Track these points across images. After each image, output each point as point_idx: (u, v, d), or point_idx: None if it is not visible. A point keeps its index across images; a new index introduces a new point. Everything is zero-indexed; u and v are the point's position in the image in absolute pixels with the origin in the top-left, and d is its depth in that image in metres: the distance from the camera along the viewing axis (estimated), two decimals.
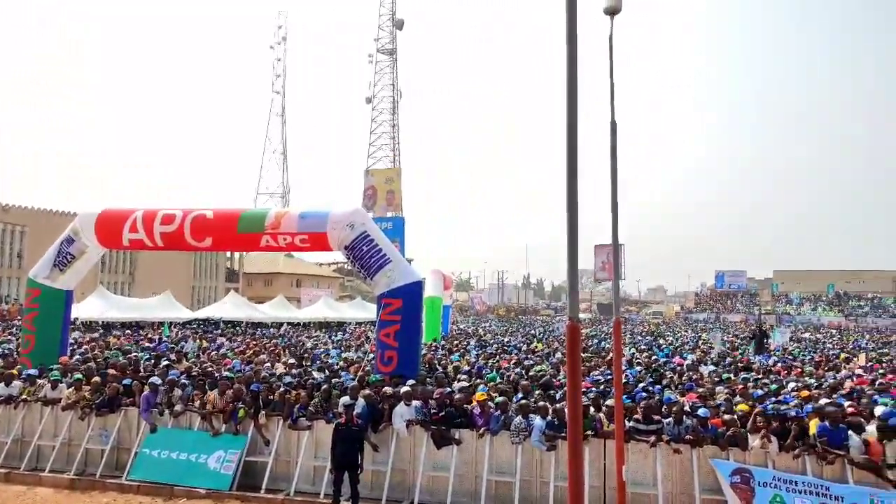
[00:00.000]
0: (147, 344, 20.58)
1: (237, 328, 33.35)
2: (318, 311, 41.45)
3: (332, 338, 26.25)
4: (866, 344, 31.42)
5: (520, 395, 10.27)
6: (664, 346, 24.81)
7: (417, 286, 11.75)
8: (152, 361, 14.01)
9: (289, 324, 36.19)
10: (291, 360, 14.69)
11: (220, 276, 57.68)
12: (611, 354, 18.22)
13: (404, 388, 9.84)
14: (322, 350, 18.80)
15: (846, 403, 9.84)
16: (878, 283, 77.58)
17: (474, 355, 17.28)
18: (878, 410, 8.99)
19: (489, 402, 9.56)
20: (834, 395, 10.83)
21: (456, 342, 22.49)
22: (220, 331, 30.19)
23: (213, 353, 17.72)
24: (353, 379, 10.87)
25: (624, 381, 11.73)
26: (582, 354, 18.11)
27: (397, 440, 9.47)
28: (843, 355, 21.58)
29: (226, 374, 11.65)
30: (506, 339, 25.69)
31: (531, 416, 9.18)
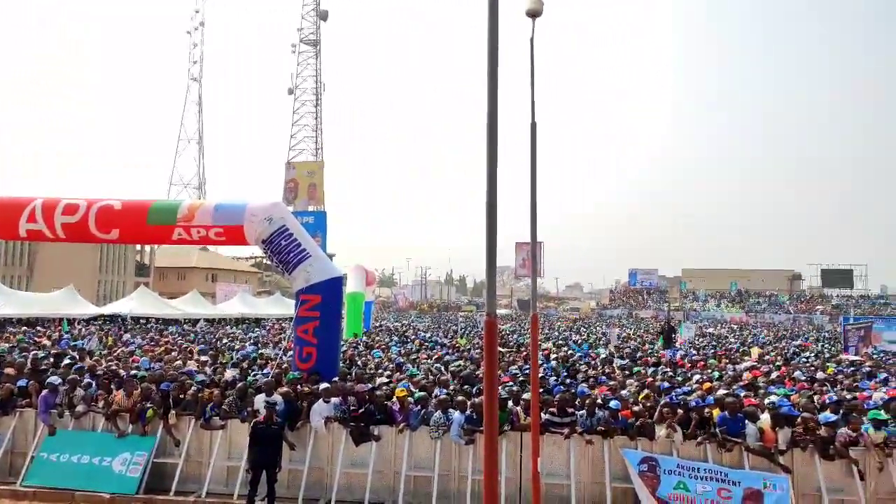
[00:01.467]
0: (45, 342, 19.31)
1: (148, 325, 31.85)
2: (235, 307, 40.17)
3: (250, 334, 25.52)
4: (763, 338, 33.57)
5: (440, 390, 10.35)
6: (580, 341, 25.63)
7: (337, 282, 11.59)
8: (51, 360, 13.18)
9: (205, 320, 34.89)
10: (204, 358, 14.17)
11: (129, 270, 54.92)
12: (529, 349, 18.74)
13: (323, 385, 9.71)
14: (238, 347, 18.24)
15: (743, 394, 10.49)
16: (775, 281, 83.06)
17: (395, 351, 17.25)
18: (770, 399, 9.65)
19: (409, 398, 9.58)
20: (733, 387, 11.49)
21: (377, 338, 22.38)
22: (127, 327, 28.73)
23: (120, 350, 16.84)
24: (269, 376, 10.60)
25: (541, 375, 12.06)
26: (501, 349, 18.47)
27: (315, 438, 9.33)
28: (742, 349, 23.01)
29: (133, 372, 11.10)
30: (428, 335, 25.79)
31: (450, 410, 9.28)
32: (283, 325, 30.11)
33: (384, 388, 10.21)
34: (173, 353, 15.69)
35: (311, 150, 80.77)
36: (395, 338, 23.25)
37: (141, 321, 32.89)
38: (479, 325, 40.43)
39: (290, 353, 12.05)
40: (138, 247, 54.89)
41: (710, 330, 41.96)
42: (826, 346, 27.69)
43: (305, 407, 9.45)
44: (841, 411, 9.33)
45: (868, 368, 16.05)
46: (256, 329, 30.25)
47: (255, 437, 8.52)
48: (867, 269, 76.89)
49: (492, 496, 4.37)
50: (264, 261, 67.33)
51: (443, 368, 13.74)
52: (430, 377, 12.09)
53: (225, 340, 21.46)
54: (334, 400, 9.49)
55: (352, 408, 9.43)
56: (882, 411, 9.15)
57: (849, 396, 10.90)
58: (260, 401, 9.30)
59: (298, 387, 9.88)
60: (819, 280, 79.10)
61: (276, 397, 9.20)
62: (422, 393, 9.84)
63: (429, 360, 14.98)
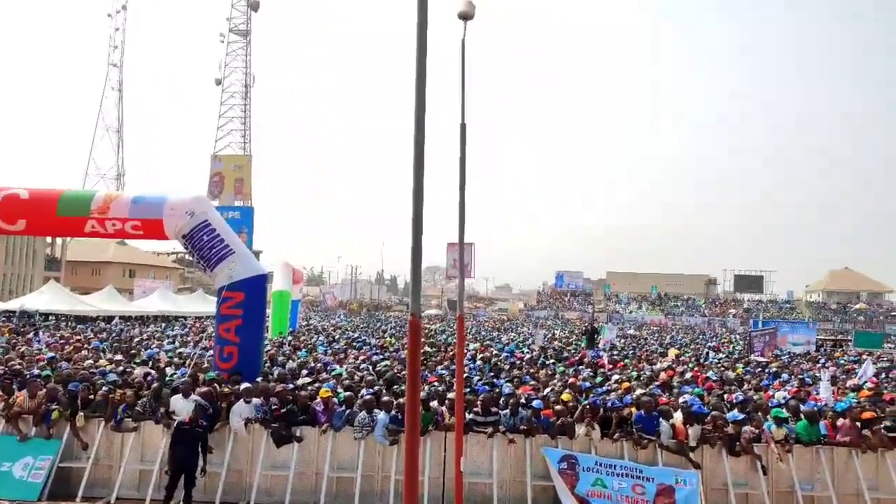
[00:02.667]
0: None
1: (59, 322, 30.10)
2: (153, 303, 38.51)
3: (169, 332, 24.53)
4: (680, 340, 35.05)
5: (366, 390, 10.26)
6: (507, 341, 26.01)
7: (261, 280, 11.29)
8: None
9: (121, 318, 33.26)
10: (119, 357, 13.51)
11: (38, 264, 51.73)
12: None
13: (244, 385, 9.45)
14: (154, 346, 17.49)
15: (659, 394, 10.93)
16: (692, 285, 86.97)
17: (321, 351, 16.99)
18: (683, 398, 10.09)
19: (333, 399, 9.46)
20: (649, 387, 11.95)
21: (304, 337, 21.98)
22: (35, 324, 27.06)
23: (25, 348, 15.84)
24: (186, 376, 10.24)
25: (466, 374, 12.17)
26: (429, 349, 18.51)
27: (234, 440, 9.07)
28: (659, 350, 23.96)
29: (36, 372, 10.47)
30: (356, 335, 25.54)
31: (375, 410, 9.22)
32: (205, 323, 29.09)
33: (308, 388, 10.04)
34: (83, 352, 14.90)
35: (238, 144, 78.54)
36: (322, 337, 22.90)
37: (51, 318, 31.05)
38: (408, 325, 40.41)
39: (211, 352, 11.69)
40: (49, 239, 51.80)
41: (632, 331, 43.46)
42: (736, 347, 29.17)
43: (225, 408, 9.18)
44: (747, 410, 9.86)
45: (774, 369, 17.04)
46: (177, 327, 29.10)
47: (177, 438, 8.21)
48: (776, 276, 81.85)
49: (412, 496, 4.38)
50: (186, 256, 64.94)
51: (370, 368, 13.64)
52: (357, 377, 11.97)
53: (140, 339, 20.53)
54: (255, 400, 9.25)
55: (273, 408, 9.22)
56: (783, 409, 9.72)
57: (755, 396, 11.52)
58: (177, 402, 8.96)
59: (217, 387, 9.57)
60: (732, 285, 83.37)
61: (196, 398, 8.87)
62: (347, 393, 9.73)
63: (356, 361, 14.83)
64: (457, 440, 7.97)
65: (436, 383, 10.94)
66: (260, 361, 11.54)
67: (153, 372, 11.36)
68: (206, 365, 12.02)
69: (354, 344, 20.10)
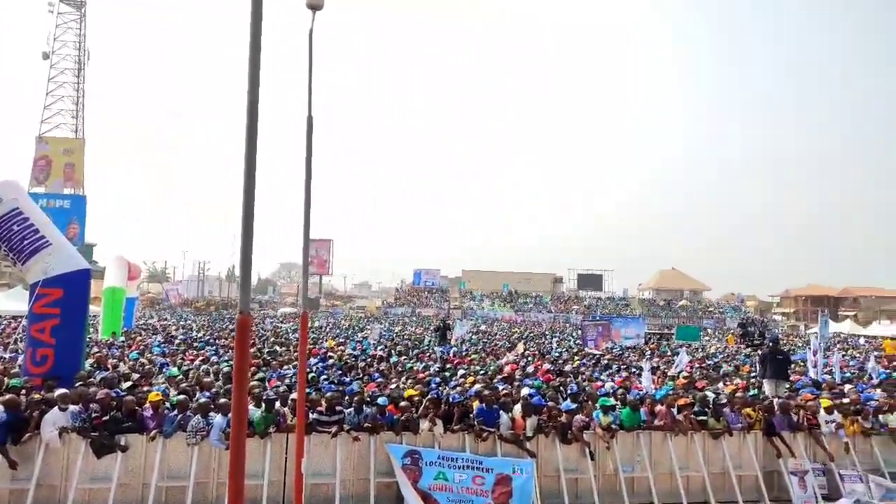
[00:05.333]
0: None
1: None
2: None
3: None
4: (527, 335, 36.84)
5: (202, 393, 9.69)
6: (362, 339, 25.84)
7: (83, 275, 10.27)
8: None
9: None
10: None
11: None
12: (315, 348, 18.46)
13: (59, 391, 8.54)
14: None
15: (502, 387, 11.37)
16: (541, 283, 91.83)
17: (157, 352, 15.83)
18: (524, 391, 10.59)
19: (164, 403, 8.83)
20: (494, 380, 12.41)
21: (139, 338, 20.37)
22: None
23: None
24: None
25: (314, 374, 11.91)
26: (277, 348, 17.92)
27: (46, 452, 8.15)
28: (507, 345, 25.01)
29: None
30: (199, 335, 24.10)
31: (211, 414, 8.73)
32: (20, 322, 25.97)
33: (136, 392, 9.29)
34: None
35: (70, 126, 71.06)
36: (160, 337, 21.36)
37: None
38: (260, 324, 38.89)
39: (23, 355, 10.45)
40: None
41: (483, 327, 45.00)
42: (574, 341, 31.16)
43: (36, 417, 8.23)
44: (579, 400, 10.54)
45: (605, 361, 18.40)
46: None
47: None
48: (614, 275, 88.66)
49: (236, 500, 4.16)
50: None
51: (210, 370, 12.92)
52: (195, 379, 11.29)
53: None
54: (73, 407, 8.39)
55: (94, 415, 8.41)
56: (611, 398, 10.50)
57: (587, 386, 12.35)
58: None
59: (26, 394, 8.56)
60: (576, 283, 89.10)
61: None
62: (181, 397, 9.12)
63: (196, 361, 13.98)
64: (297, 441, 7.71)
65: (278, 384, 10.57)
66: (80, 364, 10.48)
67: None
68: (15, 370, 10.73)
69: (194, 344, 18.95)
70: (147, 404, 8.79)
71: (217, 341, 20.63)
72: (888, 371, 18.77)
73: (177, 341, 19.77)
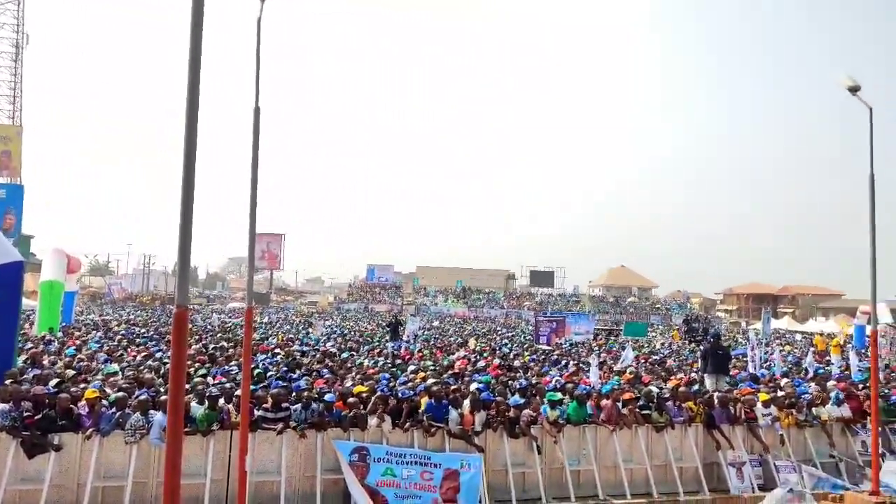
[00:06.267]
0: None
1: None
2: None
3: None
4: (479, 331, 37.06)
5: (143, 390, 9.38)
6: (305, 335, 25.52)
7: (16, 267, 9.67)
8: None
9: None
10: None
11: None
12: (264, 344, 18.14)
13: None
14: None
15: (452, 382, 11.39)
16: (494, 280, 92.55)
17: (95, 348, 15.29)
18: (473, 386, 10.63)
19: (102, 400, 8.53)
20: (443, 376, 12.42)
21: (78, 333, 19.63)
22: None
23: None
24: None
25: (261, 369, 11.70)
26: (224, 344, 17.54)
27: None
28: (459, 340, 25.11)
29: None
30: (143, 330, 23.39)
31: (151, 411, 8.48)
32: None
33: (72, 389, 8.94)
34: None
35: (6, 112, 67.86)
36: (99, 333, 20.63)
37: None
38: (207, 318, 38.02)
39: None
40: None
41: (436, 323, 45.07)
42: (525, 337, 31.50)
43: None
44: (527, 395, 10.64)
45: (555, 357, 18.65)
46: None
47: None
48: (566, 272, 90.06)
49: (172, 501, 4.04)
50: None
51: (152, 366, 12.53)
52: (134, 376, 10.93)
53: None
54: (2, 406, 8.02)
55: (25, 414, 8.06)
56: (558, 393, 10.65)
57: (535, 381, 12.48)
58: None
59: None
60: (528, 280, 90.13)
61: None
62: (119, 394, 8.81)
63: (137, 357, 13.57)
64: (241, 438, 7.58)
65: (223, 380, 10.34)
66: (10, 362, 9.99)
67: None
68: None
69: (136, 340, 18.38)
70: (83, 402, 8.48)
71: (161, 337, 20.07)
72: (822, 366, 19.61)
73: (118, 337, 19.13)
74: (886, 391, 12.75)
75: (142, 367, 12.20)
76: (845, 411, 11.69)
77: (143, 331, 23.21)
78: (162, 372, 11.63)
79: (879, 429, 10.03)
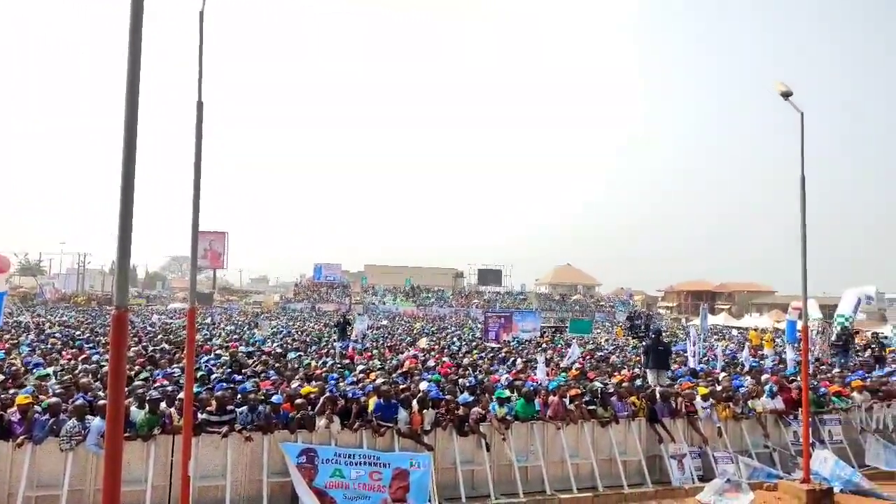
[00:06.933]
0: None
1: None
2: None
3: None
4: (429, 329, 37.09)
5: (80, 394, 9.01)
6: (257, 335, 25.05)
7: None
8: None
9: None
10: None
11: None
12: (207, 345, 17.64)
13: None
14: None
15: (401, 382, 11.36)
16: (442, 278, 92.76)
17: (26, 351, 14.59)
18: (423, 385, 10.63)
19: (35, 406, 8.15)
20: (393, 375, 12.38)
21: (7, 336, 18.70)
22: None
23: None
24: None
25: (203, 372, 11.40)
26: (166, 346, 17.02)
27: None
28: (408, 339, 25.06)
29: None
30: (78, 332, 22.46)
31: (89, 417, 8.15)
32: None
33: (1, 395, 8.51)
34: None
35: None
36: (31, 335, 19.71)
37: None
38: (148, 320, 36.80)
39: None
40: None
41: (384, 322, 44.86)
42: (474, 335, 31.71)
43: None
44: (476, 392, 10.72)
45: (503, 354, 18.84)
46: None
47: None
48: (513, 270, 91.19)
49: None
50: None
51: (90, 370, 12.04)
52: (71, 380, 10.50)
53: None
54: None
55: None
56: (506, 390, 10.76)
57: (484, 379, 12.58)
58: None
59: None
60: (477, 278, 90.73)
61: None
62: (53, 399, 8.44)
63: (70, 362, 13.01)
64: (184, 442, 7.37)
65: (165, 383, 10.03)
66: None
67: None
68: None
69: (72, 342, 17.64)
70: (14, 408, 8.08)
71: (98, 339, 19.32)
72: (757, 360, 20.44)
73: (52, 339, 18.31)
74: (816, 383, 13.39)
75: (77, 371, 11.71)
76: (778, 403, 12.21)
77: (78, 333, 22.29)
78: (99, 375, 11.19)
79: (810, 420, 10.54)
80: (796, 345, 20.03)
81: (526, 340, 27.64)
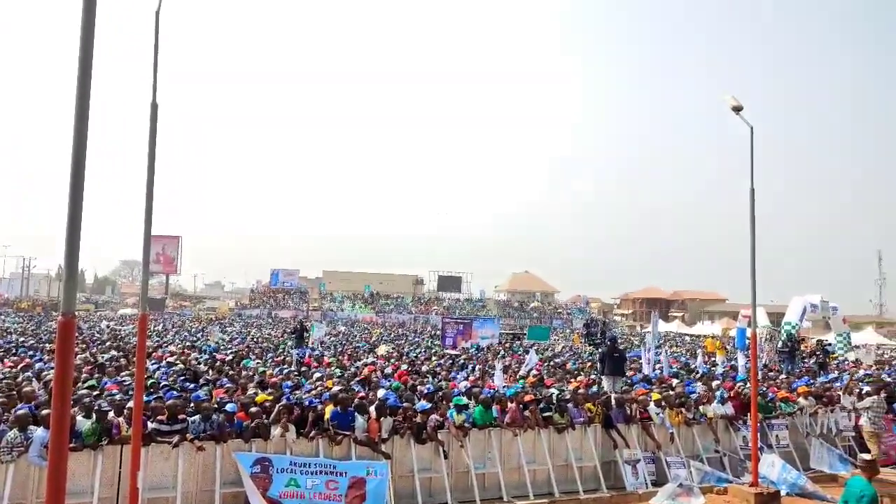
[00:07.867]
0: None
1: None
2: None
3: None
4: (389, 336, 36.91)
5: (23, 404, 8.67)
6: (202, 342, 24.51)
7: None
8: None
9: None
10: None
11: None
12: (158, 352, 17.17)
13: None
14: None
15: (359, 389, 11.26)
16: (402, 284, 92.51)
17: None
18: (381, 393, 10.57)
19: None
20: (351, 383, 12.26)
21: None
22: None
23: None
24: None
25: (154, 380, 11.10)
26: (115, 353, 16.52)
27: None
28: (366, 346, 24.88)
29: None
30: (21, 339, 21.61)
31: (31, 427, 7.83)
32: None
33: None
34: None
35: None
36: None
37: None
38: (96, 326, 35.65)
39: None
40: None
41: (343, 329, 44.48)
42: (434, 342, 31.70)
43: None
44: (434, 399, 10.70)
45: (462, 361, 18.88)
46: None
47: None
48: (472, 277, 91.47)
49: None
50: None
51: (34, 378, 11.60)
52: (14, 388, 10.08)
53: None
54: None
55: None
56: (464, 397, 10.77)
57: (443, 385, 12.58)
58: None
59: None
60: (436, 285, 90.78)
61: None
62: None
63: (12, 370, 12.51)
64: (133, 452, 7.18)
65: (115, 392, 9.73)
66: None
67: None
68: None
69: (13, 349, 16.95)
70: None
71: (43, 346, 18.61)
72: (708, 366, 20.98)
73: None
74: (764, 389, 13.80)
75: (20, 379, 11.26)
76: (729, 409, 12.54)
77: (21, 339, 21.44)
78: (43, 383, 10.78)
79: (758, 425, 10.86)
80: (747, 351, 20.62)
81: (484, 347, 27.77)
